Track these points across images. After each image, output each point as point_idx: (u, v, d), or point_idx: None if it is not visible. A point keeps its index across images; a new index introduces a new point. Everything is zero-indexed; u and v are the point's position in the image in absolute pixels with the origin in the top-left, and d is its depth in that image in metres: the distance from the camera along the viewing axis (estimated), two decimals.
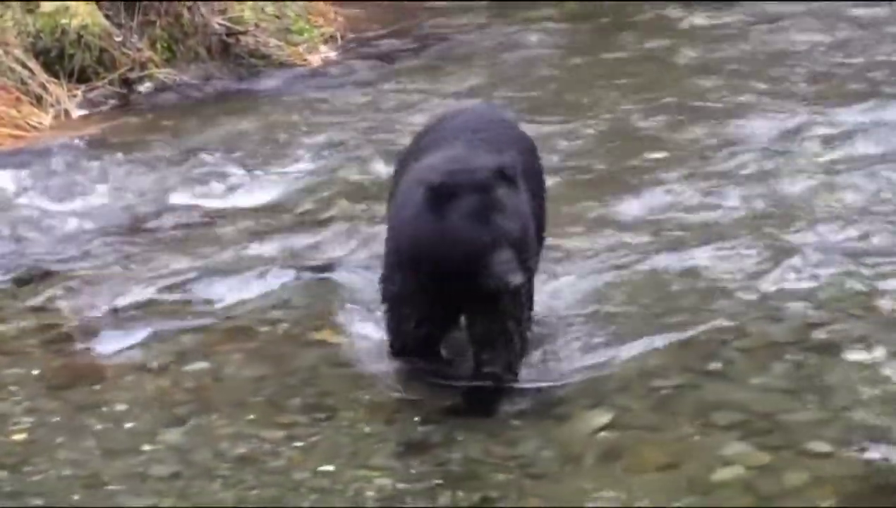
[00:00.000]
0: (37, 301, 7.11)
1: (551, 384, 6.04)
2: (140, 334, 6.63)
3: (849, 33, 11.58)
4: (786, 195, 8.09)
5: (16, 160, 9.08)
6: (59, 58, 10.53)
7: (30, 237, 8.05)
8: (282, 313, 6.81)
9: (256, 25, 11.59)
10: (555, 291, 6.79)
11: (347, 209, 8.15)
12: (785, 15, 12.15)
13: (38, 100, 10.19)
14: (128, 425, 5.85)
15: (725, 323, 6.40)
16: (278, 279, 7.12)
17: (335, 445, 5.62)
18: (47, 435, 5.77)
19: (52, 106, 10.21)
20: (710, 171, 8.56)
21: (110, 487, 5.38)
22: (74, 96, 10.45)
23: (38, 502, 5.29)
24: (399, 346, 6.10)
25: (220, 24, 11.34)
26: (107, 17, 10.85)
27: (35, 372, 6.35)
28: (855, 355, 6.07)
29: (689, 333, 6.34)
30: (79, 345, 6.61)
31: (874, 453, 5.33)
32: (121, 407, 5.98)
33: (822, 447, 5.41)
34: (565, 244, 7.42)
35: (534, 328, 6.18)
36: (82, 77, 10.59)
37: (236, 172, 8.88)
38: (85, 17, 10.63)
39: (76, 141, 9.52)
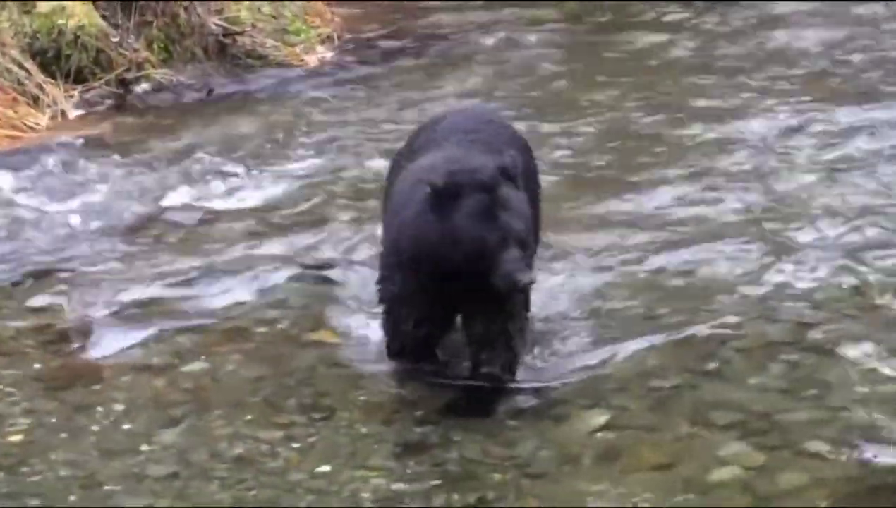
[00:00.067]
0: (34, 301, 7.10)
1: (549, 384, 6.04)
2: (138, 334, 6.63)
3: (848, 32, 11.58)
4: (784, 194, 8.09)
5: (12, 161, 9.07)
6: (55, 58, 10.52)
7: (26, 237, 8.04)
8: (279, 313, 6.81)
9: (253, 26, 11.58)
10: (552, 291, 6.79)
11: (345, 209, 8.15)
12: (785, 14, 12.15)
13: (35, 101, 10.18)
14: (125, 425, 5.85)
15: (723, 322, 6.40)
16: (276, 279, 7.12)
17: (332, 445, 5.62)
18: (45, 436, 5.77)
19: (48, 106, 10.21)
20: (709, 171, 8.56)
21: (108, 487, 5.38)
22: (71, 97, 10.44)
23: (36, 502, 5.29)
24: (397, 347, 6.10)
25: (216, 25, 11.34)
26: (103, 17, 10.84)
27: (32, 372, 6.35)
28: (852, 355, 6.08)
29: (687, 333, 6.35)
30: (76, 346, 6.61)
31: (871, 453, 5.33)
32: (118, 408, 5.98)
33: (819, 447, 5.41)
34: (563, 243, 7.42)
35: (531, 328, 6.19)
36: (79, 77, 10.58)
37: (233, 172, 8.87)
38: (81, 17, 10.62)
39: (73, 141, 9.52)
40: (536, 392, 5.99)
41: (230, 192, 8.64)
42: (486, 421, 5.79)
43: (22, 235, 8.06)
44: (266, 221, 8.15)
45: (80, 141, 9.55)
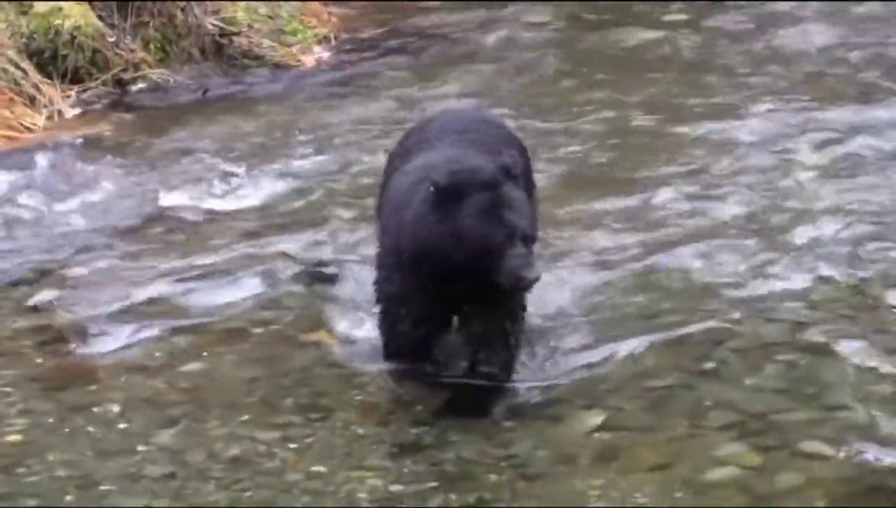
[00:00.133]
0: (31, 301, 7.10)
1: (545, 384, 6.04)
2: (134, 335, 6.63)
3: (848, 31, 11.58)
4: (782, 194, 8.09)
5: (9, 161, 9.06)
6: (52, 59, 10.52)
7: (23, 237, 8.04)
8: (276, 313, 6.81)
9: (250, 26, 11.58)
10: (549, 291, 6.78)
11: (342, 209, 8.14)
12: (784, 14, 12.14)
13: (32, 101, 10.17)
14: (122, 426, 5.85)
15: (719, 323, 6.41)
16: (272, 280, 7.12)
17: (329, 446, 5.62)
18: (42, 436, 5.77)
19: (45, 107, 10.20)
20: (707, 170, 8.56)
21: (104, 488, 5.38)
22: (68, 97, 10.43)
23: (33, 503, 5.29)
24: (394, 348, 6.10)
25: (213, 25, 11.33)
26: (100, 17, 10.84)
27: (29, 372, 6.35)
28: (849, 355, 6.08)
29: (684, 333, 6.35)
30: (73, 346, 6.60)
31: (867, 453, 5.33)
32: (115, 408, 5.98)
33: (815, 447, 5.41)
34: (560, 242, 7.42)
35: (528, 328, 6.19)
36: (76, 78, 10.58)
37: (230, 173, 8.86)
38: (78, 17, 10.62)
39: (69, 141, 9.51)
40: (533, 392, 5.99)
41: (227, 192, 8.64)
42: (483, 421, 5.79)
43: (19, 235, 8.06)
44: (263, 221, 8.15)
45: (77, 141, 9.55)
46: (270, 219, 8.17)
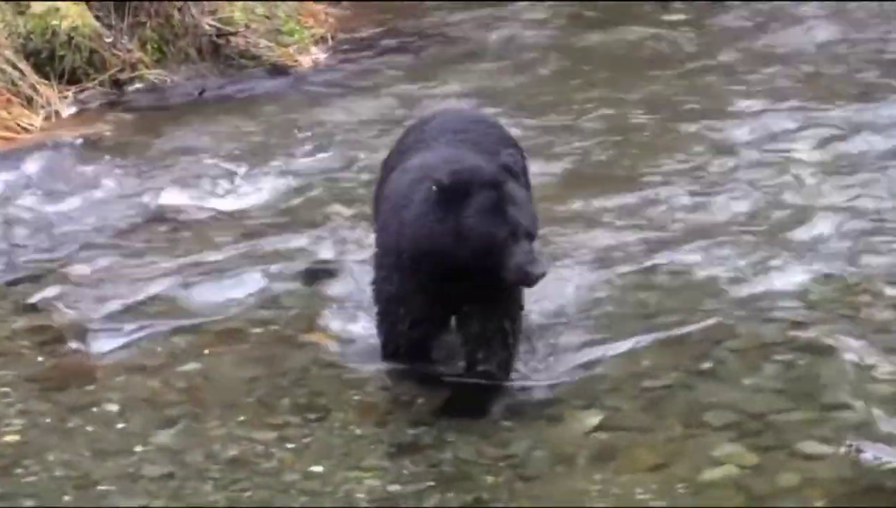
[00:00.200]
0: (28, 302, 7.09)
1: (543, 384, 6.04)
2: (132, 335, 6.62)
3: (848, 31, 11.58)
4: (780, 193, 8.09)
5: (6, 161, 9.06)
6: (49, 59, 10.51)
7: (21, 237, 8.03)
8: (274, 314, 6.80)
9: (247, 26, 11.57)
10: (547, 290, 6.78)
11: (339, 210, 8.14)
12: (784, 14, 12.14)
13: (29, 102, 10.16)
14: (120, 426, 5.85)
15: (717, 323, 6.41)
16: (270, 280, 7.12)
17: (327, 446, 5.62)
18: (39, 437, 5.77)
19: (42, 107, 10.19)
20: (706, 170, 8.56)
21: (102, 488, 5.38)
22: (65, 97, 10.43)
23: (30, 503, 5.29)
24: (392, 348, 6.10)
25: (210, 25, 11.32)
26: (97, 18, 10.83)
27: (27, 372, 6.34)
28: (846, 355, 6.08)
29: (681, 332, 6.35)
30: (71, 346, 6.60)
31: (865, 453, 5.34)
32: (113, 408, 5.98)
33: (813, 447, 5.42)
34: (559, 241, 7.42)
35: (526, 327, 6.19)
36: (73, 78, 10.57)
37: (227, 173, 8.86)
38: (75, 18, 10.61)
39: (67, 142, 9.51)
40: (531, 392, 5.99)
41: (226, 192, 8.63)
42: (481, 421, 5.79)
43: (16, 235, 8.05)
44: (262, 220, 8.15)
45: (74, 141, 9.54)
46: (269, 219, 8.16)
